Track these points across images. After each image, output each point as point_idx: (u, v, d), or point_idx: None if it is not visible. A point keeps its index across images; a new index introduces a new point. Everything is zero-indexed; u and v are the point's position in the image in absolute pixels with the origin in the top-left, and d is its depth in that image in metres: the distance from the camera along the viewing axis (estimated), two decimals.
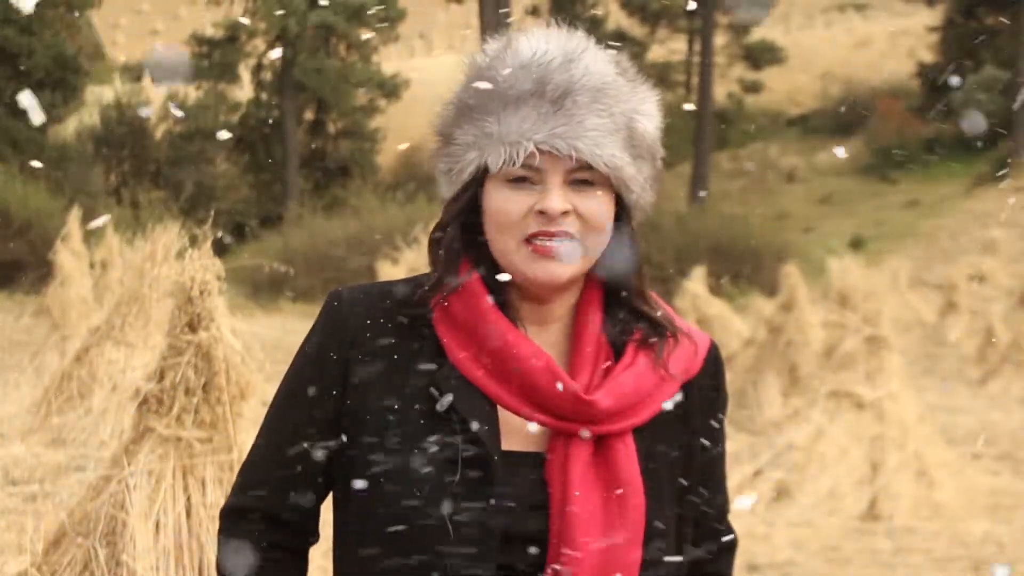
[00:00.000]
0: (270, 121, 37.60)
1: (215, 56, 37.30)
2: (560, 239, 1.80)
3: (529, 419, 1.82)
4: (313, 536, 1.95)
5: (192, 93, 37.47)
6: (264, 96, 38.22)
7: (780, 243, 27.25)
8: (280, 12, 34.66)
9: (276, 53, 37.83)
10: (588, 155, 1.79)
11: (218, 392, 4.59)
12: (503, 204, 1.81)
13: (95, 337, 9.27)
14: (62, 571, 4.57)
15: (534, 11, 43.32)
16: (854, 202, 38.40)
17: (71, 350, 10.03)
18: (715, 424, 1.93)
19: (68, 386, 9.30)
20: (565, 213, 1.80)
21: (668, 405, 1.86)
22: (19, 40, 29.13)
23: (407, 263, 14.34)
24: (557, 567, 1.78)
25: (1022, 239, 29.92)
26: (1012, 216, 32.76)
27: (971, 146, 39.34)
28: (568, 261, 1.81)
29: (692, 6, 45.34)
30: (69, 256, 12.97)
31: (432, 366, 1.83)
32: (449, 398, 1.80)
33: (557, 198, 1.79)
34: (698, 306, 15.46)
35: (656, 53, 46.72)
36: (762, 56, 47.96)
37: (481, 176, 1.83)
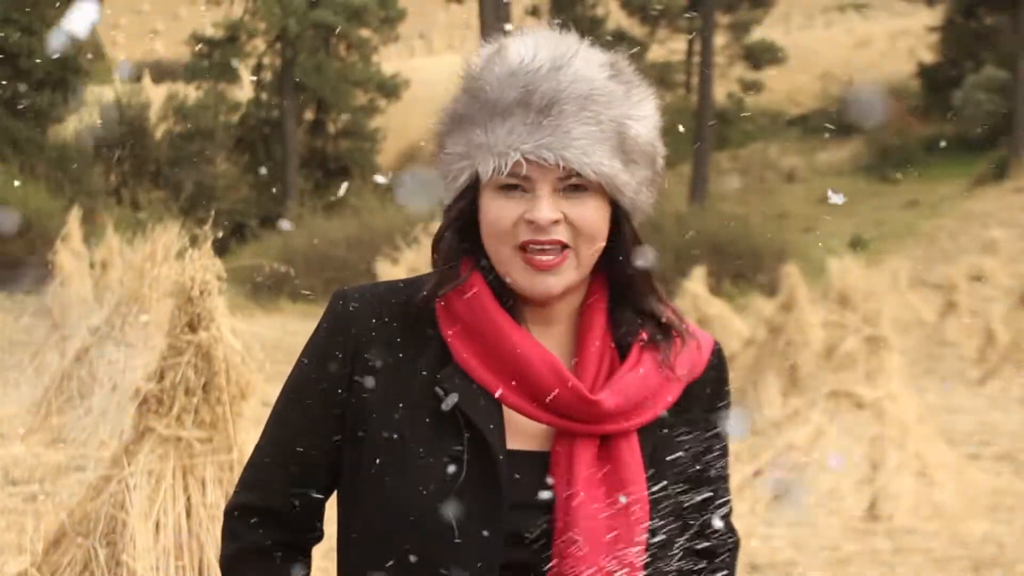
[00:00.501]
0: (270, 121, 37.62)
1: (215, 56, 37.27)
2: (551, 251, 1.79)
3: (534, 419, 1.82)
4: (317, 534, 1.95)
5: (192, 93, 37.45)
6: (264, 96, 38.20)
7: (780, 243, 27.23)
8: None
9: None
10: (576, 164, 1.78)
11: (218, 392, 4.60)
12: (495, 212, 1.81)
13: (95, 337, 9.27)
14: (62, 571, 4.57)
15: (534, 11, 43.32)
16: (854, 202, 38.31)
17: (71, 350, 10.02)
18: (719, 425, 1.94)
19: (68, 386, 9.31)
20: (556, 222, 1.79)
21: (672, 406, 1.86)
22: (19, 40, 29.10)
23: (407, 263, 14.35)
24: (561, 565, 1.78)
25: (1022, 239, 29.88)
26: (1012, 216, 32.74)
27: (971, 146, 39.34)
28: (561, 278, 1.81)
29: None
30: (69, 256, 12.98)
31: (437, 366, 1.83)
32: (454, 397, 1.80)
33: (546, 207, 1.79)
34: (698, 306, 15.45)
35: (656, 53, 46.72)
36: (762, 56, 47.91)
37: (476, 183, 1.84)
